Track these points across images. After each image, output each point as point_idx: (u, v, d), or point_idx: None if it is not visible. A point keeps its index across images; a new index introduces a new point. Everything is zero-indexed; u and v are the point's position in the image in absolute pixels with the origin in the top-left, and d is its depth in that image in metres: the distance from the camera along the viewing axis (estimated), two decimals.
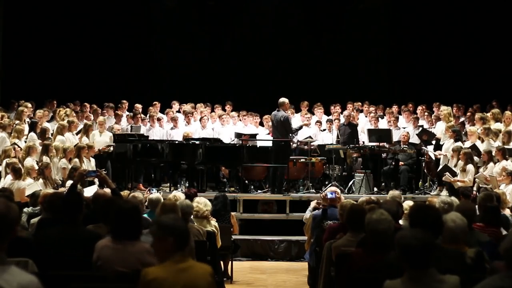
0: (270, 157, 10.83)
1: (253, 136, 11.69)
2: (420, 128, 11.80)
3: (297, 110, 13.29)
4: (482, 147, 10.09)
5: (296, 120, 12.75)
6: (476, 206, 5.72)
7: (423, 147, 11.22)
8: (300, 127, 11.32)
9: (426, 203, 6.09)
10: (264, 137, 11.87)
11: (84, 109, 12.71)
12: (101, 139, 10.91)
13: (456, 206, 5.13)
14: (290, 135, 11.59)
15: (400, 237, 3.34)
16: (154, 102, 13.24)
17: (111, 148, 10.93)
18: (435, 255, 3.41)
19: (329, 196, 7.11)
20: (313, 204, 7.69)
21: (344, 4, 15.49)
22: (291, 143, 11.78)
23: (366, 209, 5.15)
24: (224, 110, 13.15)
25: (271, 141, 11.06)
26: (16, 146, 9.66)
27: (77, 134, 11.04)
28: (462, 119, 12.42)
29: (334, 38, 15.42)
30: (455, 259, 4.05)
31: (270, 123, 11.24)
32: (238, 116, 12.69)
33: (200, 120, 12.42)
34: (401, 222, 5.51)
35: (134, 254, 4.01)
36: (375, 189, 10.98)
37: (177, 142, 11.29)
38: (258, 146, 11.36)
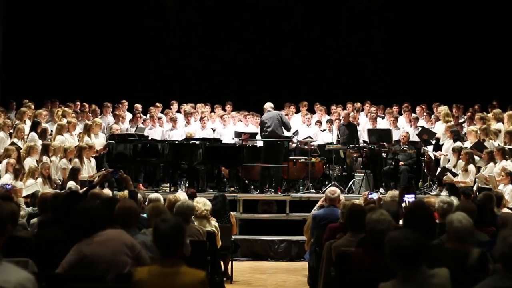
0: (270, 156, 10.86)
1: (253, 136, 11.69)
2: (420, 128, 11.79)
3: (297, 110, 13.29)
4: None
5: (296, 120, 12.76)
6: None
7: (423, 147, 11.22)
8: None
9: (422, 203, 6.06)
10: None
11: (84, 109, 12.71)
12: (97, 141, 10.87)
13: (456, 206, 5.13)
14: (292, 135, 11.66)
15: (390, 238, 3.34)
16: (156, 103, 13.20)
17: (106, 149, 10.94)
18: (438, 254, 3.41)
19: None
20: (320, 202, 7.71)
21: (344, 4, 15.49)
22: (291, 143, 11.79)
23: (366, 209, 5.15)
24: (224, 110, 13.15)
25: (271, 141, 11.02)
26: (18, 146, 9.66)
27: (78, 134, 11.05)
28: (462, 119, 12.42)
29: (334, 38, 15.41)
30: (458, 259, 4.05)
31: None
32: (240, 115, 12.70)
33: (200, 120, 12.42)
34: (401, 222, 5.49)
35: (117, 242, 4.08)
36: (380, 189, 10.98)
37: (177, 142, 11.29)
38: (258, 146, 11.34)
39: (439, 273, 3.33)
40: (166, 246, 3.29)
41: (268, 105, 10.99)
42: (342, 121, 11.95)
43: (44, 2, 14.63)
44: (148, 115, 12.73)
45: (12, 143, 9.84)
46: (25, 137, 10.36)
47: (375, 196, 7.23)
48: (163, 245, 3.30)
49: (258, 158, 10.96)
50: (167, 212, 5.19)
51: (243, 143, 11.28)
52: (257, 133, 11.91)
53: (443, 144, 10.92)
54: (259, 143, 11.30)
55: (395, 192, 7.12)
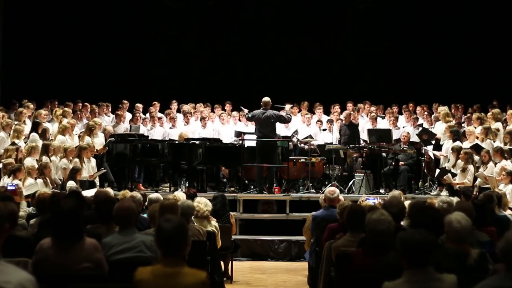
0: (271, 156, 10.84)
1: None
2: (420, 128, 11.79)
3: (298, 110, 13.28)
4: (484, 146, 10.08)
5: (296, 120, 12.75)
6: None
7: (423, 147, 11.22)
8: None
9: (426, 204, 6.07)
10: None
11: (84, 109, 12.70)
12: (96, 140, 10.86)
13: (453, 207, 5.13)
14: (292, 134, 11.65)
15: (403, 235, 3.35)
16: (154, 102, 13.23)
17: (106, 148, 10.95)
18: (438, 255, 3.41)
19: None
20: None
21: (344, 4, 15.49)
22: (290, 143, 11.77)
23: (366, 209, 5.15)
24: (224, 110, 13.13)
25: (263, 141, 10.95)
26: (19, 146, 9.66)
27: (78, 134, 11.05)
28: (462, 119, 12.43)
29: (334, 38, 15.41)
30: (458, 259, 4.05)
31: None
32: (240, 114, 12.69)
33: (200, 120, 12.42)
34: (402, 222, 5.48)
35: (81, 252, 4.04)
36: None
37: (177, 142, 11.29)
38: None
39: (447, 278, 3.29)
40: (168, 246, 3.27)
41: (266, 100, 10.85)
42: (343, 121, 11.93)
43: (44, 2, 14.62)
44: (148, 114, 12.74)
45: (13, 143, 9.83)
46: (24, 137, 10.35)
47: (375, 201, 7.15)
48: (165, 244, 3.28)
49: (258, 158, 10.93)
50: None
51: (243, 143, 11.24)
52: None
53: (443, 144, 10.92)
54: (252, 143, 11.16)
55: (396, 192, 7.10)
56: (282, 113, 10.95)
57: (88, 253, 4.05)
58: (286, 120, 11.11)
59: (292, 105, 13.23)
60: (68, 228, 4.08)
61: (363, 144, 11.57)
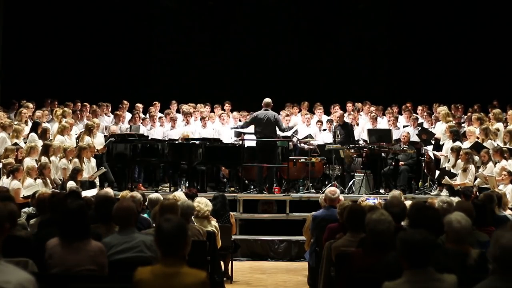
0: (271, 156, 10.84)
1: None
2: (420, 128, 11.79)
3: (298, 110, 13.27)
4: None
5: (296, 120, 12.74)
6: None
7: (423, 147, 11.22)
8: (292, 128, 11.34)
9: (426, 204, 6.07)
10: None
11: (84, 109, 12.70)
12: (95, 140, 10.86)
13: (453, 207, 5.13)
14: (292, 134, 11.63)
15: (403, 235, 3.35)
16: (154, 102, 13.24)
17: (106, 148, 10.95)
18: (438, 255, 3.41)
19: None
20: None
21: (344, 4, 15.49)
22: (290, 142, 11.76)
23: (366, 209, 5.15)
24: (223, 109, 13.13)
25: (263, 141, 10.93)
26: (20, 147, 9.66)
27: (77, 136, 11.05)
28: (462, 119, 12.43)
29: (334, 38, 15.41)
30: (458, 259, 4.05)
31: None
32: (240, 114, 12.68)
33: (200, 120, 12.42)
34: (403, 223, 5.48)
35: (87, 253, 4.07)
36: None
37: (177, 142, 11.29)
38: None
39: (447, 279, 3.30)
40: (168, 246, 3.27)
41: (267, 101, 10.88)
42: (337, 122, 11.89)
43: (44, 2, 14.62)
44: (147, 114, 12.73)
45: (15, 144, 9.83)
46: (24, 137, 10.34)
47: (375, 201, 7.16)
48: (165, 244, 3.28)
49: (258, 158, 10.93)
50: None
51: (243, 143, 11.24)
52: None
53: (443, 144, 10.92)
54: (252, 143, 11.11)
55: (396, 192, 7.10)
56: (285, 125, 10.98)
57: (94, 255, 4.08)
58: (283, 129, 11.06)
59: (292, 105, 13.29)
60: (75, 228, 4.13)
61: (363, 144, 11.57)
